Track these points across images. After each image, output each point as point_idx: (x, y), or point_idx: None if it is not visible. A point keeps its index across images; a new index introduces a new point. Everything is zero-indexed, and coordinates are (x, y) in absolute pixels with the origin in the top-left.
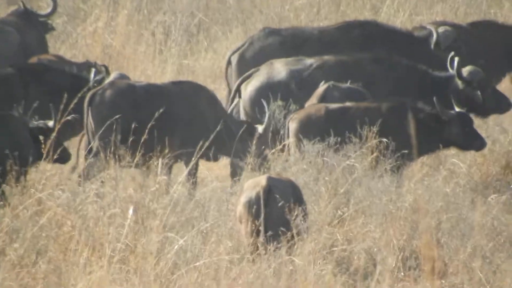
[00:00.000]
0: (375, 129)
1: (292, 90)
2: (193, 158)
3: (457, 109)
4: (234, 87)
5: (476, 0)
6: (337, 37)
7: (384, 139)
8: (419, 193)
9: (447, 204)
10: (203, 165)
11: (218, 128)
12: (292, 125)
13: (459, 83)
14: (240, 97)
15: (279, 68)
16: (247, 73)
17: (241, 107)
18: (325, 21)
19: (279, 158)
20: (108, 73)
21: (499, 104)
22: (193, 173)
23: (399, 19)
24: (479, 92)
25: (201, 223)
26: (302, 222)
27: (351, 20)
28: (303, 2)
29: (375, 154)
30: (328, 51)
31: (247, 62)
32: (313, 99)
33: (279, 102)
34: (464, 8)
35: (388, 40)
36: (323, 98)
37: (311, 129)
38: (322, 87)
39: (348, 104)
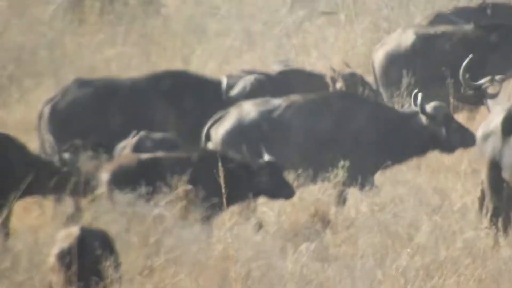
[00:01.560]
0: (184, 177)
1: (263, 131)
2: (6, 209)
3: (266, 158)
4: (203, 131)
5: (284, 48)
6: (148, 88)
7: (191, 186)
8: (229, 242)
9: (257, 252)
10: (14, 216)
11: (28, 179)
12: (104, 176)
13: (423, 119)
14: (209, 140)
15: (249, 109)
16: (215, 116)
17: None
18: (136, 72)
19: (90, 208)
20: None
21: (464, 139)
22: (6, 224)
23: (209, 68)
24: (443, 128)
25: (13, 275)
26: (114, 272)
27: (161, 71)
28: (114, 53)
29: (183, 203)
30: (139, 101)
31: (60, 114)
32: (126, 149)
33: (89, 152)
34: (273, 57)
35: (197, 90)
36: (136, 148)
37: (123, 179)
38: (134, 137)
39: (159, 154)
